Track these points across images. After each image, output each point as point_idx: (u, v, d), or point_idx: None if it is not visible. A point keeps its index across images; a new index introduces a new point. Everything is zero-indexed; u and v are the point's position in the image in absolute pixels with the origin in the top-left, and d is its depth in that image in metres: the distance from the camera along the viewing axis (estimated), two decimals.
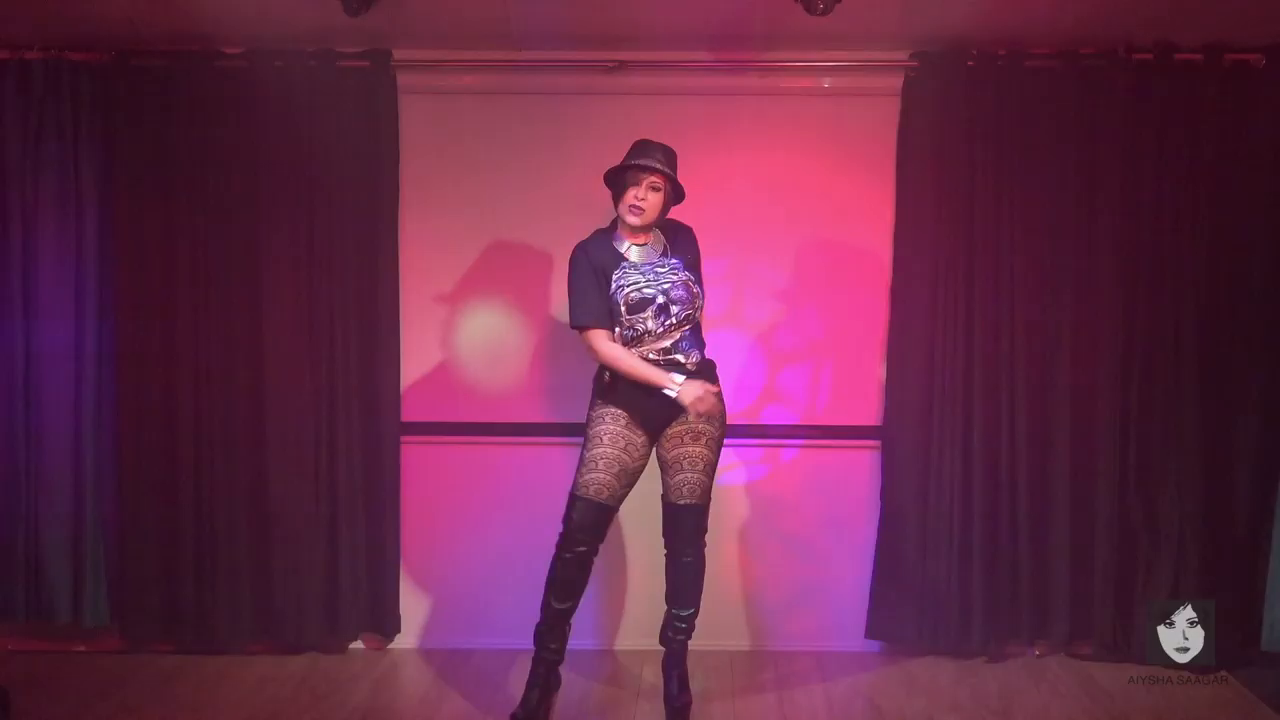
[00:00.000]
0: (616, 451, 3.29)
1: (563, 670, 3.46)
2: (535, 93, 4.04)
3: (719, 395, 3.35)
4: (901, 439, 4.00)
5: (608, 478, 3.28)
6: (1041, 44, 3.90)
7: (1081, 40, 3.88)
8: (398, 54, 3.99)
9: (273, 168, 3.97)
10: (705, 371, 3.38)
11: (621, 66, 3.97)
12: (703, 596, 3.48)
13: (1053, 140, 3.91)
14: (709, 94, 4.05)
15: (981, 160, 3.92)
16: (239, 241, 3.99)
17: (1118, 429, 3.95)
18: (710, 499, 3.44)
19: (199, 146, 3.96)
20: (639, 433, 3.34)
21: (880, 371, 4.06)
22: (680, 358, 3.32)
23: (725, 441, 4.04)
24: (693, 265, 3.41)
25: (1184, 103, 3.88)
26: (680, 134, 4.00)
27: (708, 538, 3.48)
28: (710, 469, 3.41)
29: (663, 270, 3.33)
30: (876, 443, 4.08)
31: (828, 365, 4.11)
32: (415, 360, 4.11)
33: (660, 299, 3.29)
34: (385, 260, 4.03)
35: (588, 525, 3.28)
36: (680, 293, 3.30)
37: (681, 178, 3.33)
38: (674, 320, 3.31)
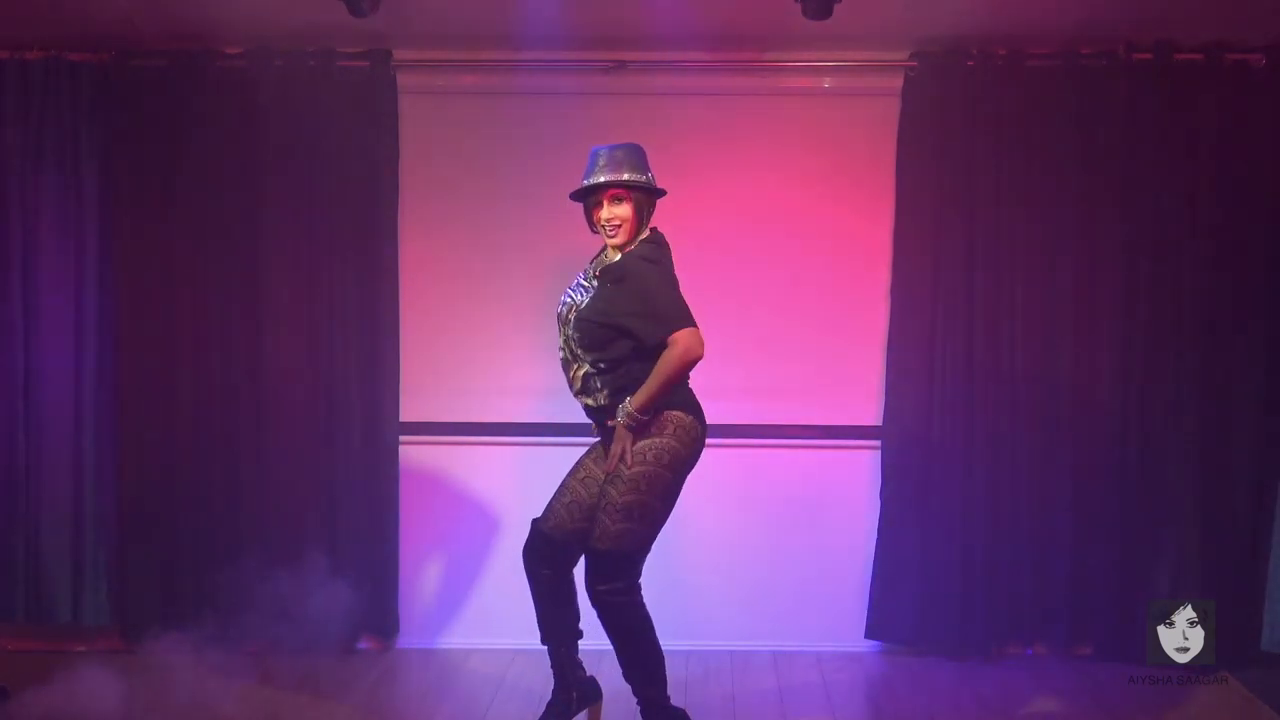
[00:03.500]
0: (575, 481, 3.15)
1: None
2: (535, 93, 4.04)
3: (626, 456, 2.93)
4: (901, 439, 4.00)
5: (557, 505, 3.15)
6: (1041, 44, 3.90)
7: (1081, 40, 3.88)
8: (398, 54, 4.00)
9: (273, 168, 3.98)
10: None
11: (621, 66, 3.97)
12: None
13: (1053, 140, 3.91)
14: (709, 94, 4.05)
15: (981, 160, 3.93)
16: (239, 242, 4.00)
17: (1118, 429, 3.95)
18: (613, 549, 2.94)
19: (199, 146, 3.97)
20: (603, 464, 3.06)
21: (880, 371, 4.06)
22: (589, 400, 3.04)
23: (725, 441, 4.05)
24: (605, 297, 2.95)
25: (1184, 103, 3.88)
26: (680, 134, 4.03)
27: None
28: (616, 510, 2.93)
29: (585, 286, 3.03)
30: (876, 443, 4.08)
31: (828, 365, 4.11)
32: (415, 360, 4.11)
33: (560, 311, 3.07)
34: (385, 260, 4.03)
35: (528, 547, 3.19)
36: (569, 316, 3.02)
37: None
38: (573, 349, 3.02)
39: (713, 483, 4.10)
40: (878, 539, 4.04)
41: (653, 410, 2.94)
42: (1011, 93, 3.91)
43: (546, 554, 3.15)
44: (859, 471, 4.13)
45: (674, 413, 2.98)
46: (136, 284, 3.99)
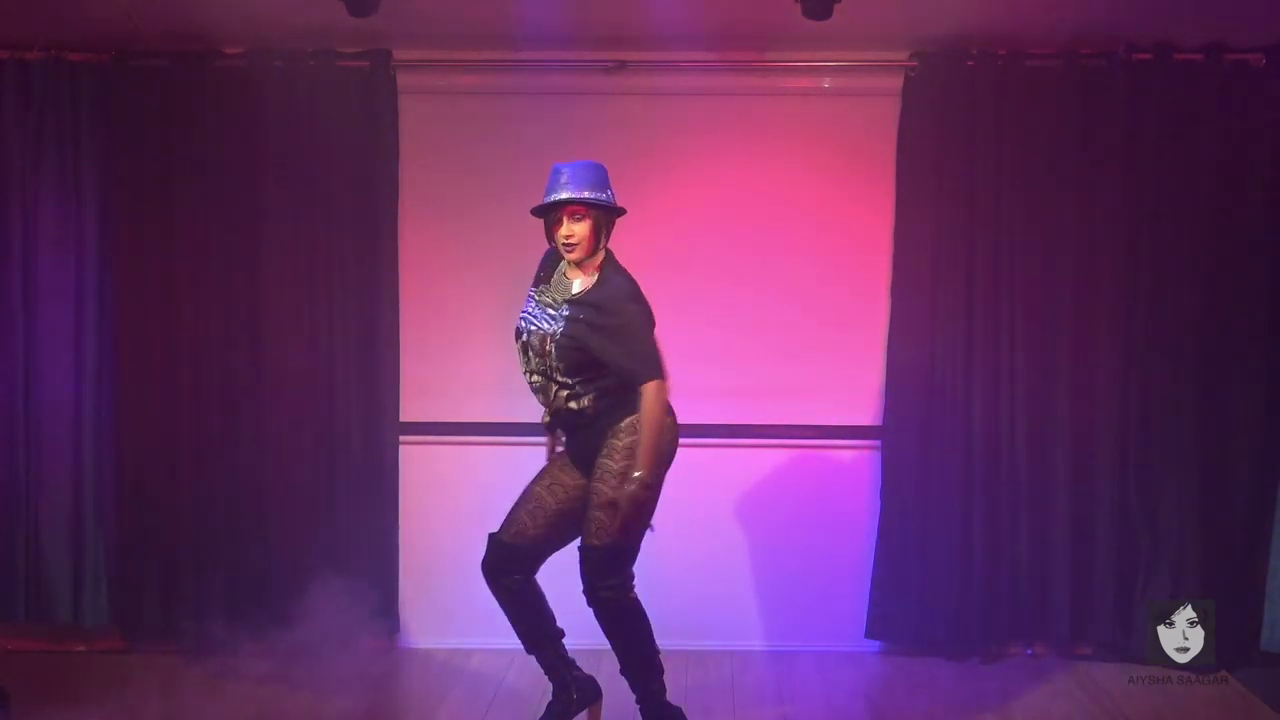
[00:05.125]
0: (540, 488, 3.16)
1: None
2: (535, 93, 4.04)
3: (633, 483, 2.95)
4: (901, 439, 4.00)
5: (519, 513, 3.15)
6: (1041, 44, 3.90)
7: (1081, 40, 3.88)
8: (398, 54, 4.00)
9: (272, 168, 3.98)
10: (602, 418, 3.02)
11: (621, 66, 3.97)
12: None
13: (1053, 140, 3.92)
14: (709, 94, 4.05)
15: (981, 160, 3.93)
16: (238, 242, 4.00)
17: (1118, 428, 3.95)
18: (610, 544, 2.99)
19: (199, 146, 3.97)
20: (572, 473, 3.13)
21: (880, 371, 4.05)
22: (574, 404, 3.04)
23: (725, 442, 4.06)
24: (585, 329, 2.97)
25: (1184, 103, 3.88)
26: (679, 134, 4.03)
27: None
28: (609, 507, 2.97)
29: (554, 314, 3.05)
30: (876, 443, 4.08)
31: (827, 365, 4.10)
32: (415, 360, 4.11)
33: (525, 336, 3.09)
34: (385, 260, 4.03)
35: (489, 563, 3.18)
36: (547, 346, 3.02)
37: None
38: (537, 370, 3.07)
39: (713, 483, 4.13)
40: (878, 539, 4.04)
41: (661, 467, 3.01)
42: (1011, 93, 3.91)
43: (511, 563, 3.15)
44: (859, 471, 4.13)
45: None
46: (136, 284, 3.99)
